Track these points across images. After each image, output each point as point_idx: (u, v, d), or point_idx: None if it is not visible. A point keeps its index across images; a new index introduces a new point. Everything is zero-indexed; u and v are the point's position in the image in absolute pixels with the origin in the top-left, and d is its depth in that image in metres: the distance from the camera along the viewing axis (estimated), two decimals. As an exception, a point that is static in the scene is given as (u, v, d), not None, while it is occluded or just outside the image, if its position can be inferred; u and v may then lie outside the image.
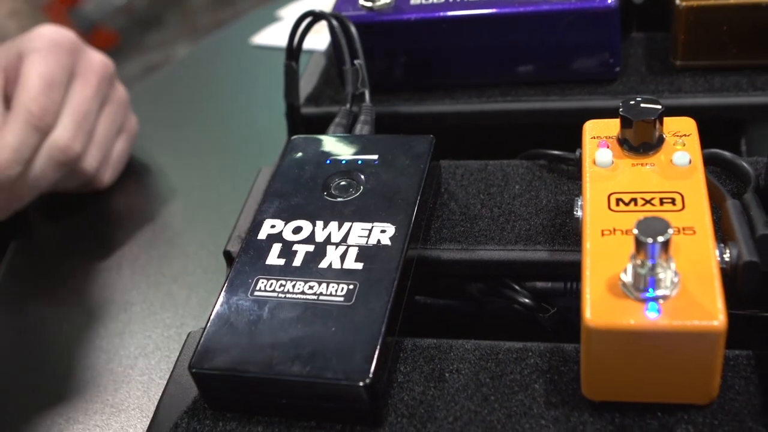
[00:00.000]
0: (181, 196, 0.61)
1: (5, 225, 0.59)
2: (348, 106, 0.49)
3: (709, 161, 0.42)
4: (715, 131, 0.44)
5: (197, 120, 0.71)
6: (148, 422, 0.38)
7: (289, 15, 0.89)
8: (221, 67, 0.81)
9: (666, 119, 0.38)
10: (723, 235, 0.37)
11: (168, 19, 2.91)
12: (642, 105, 0.38)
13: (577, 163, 0.44)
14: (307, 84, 0.55)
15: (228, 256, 0.44)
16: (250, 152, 0.64)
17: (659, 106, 0.37)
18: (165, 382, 0.42)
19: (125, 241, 0.58)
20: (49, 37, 0.55)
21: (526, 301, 0.42)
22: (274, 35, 0.84)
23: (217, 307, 0.37)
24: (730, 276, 0.34)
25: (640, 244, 0.31)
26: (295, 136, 0.46)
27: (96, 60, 0.58)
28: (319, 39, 0.63)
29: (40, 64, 0.54)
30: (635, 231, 0.31)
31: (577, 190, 0.44)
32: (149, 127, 0.69)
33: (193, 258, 0.54)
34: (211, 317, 0.37)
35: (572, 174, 0.45)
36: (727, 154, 0.43)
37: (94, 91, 0.57)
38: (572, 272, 0.40)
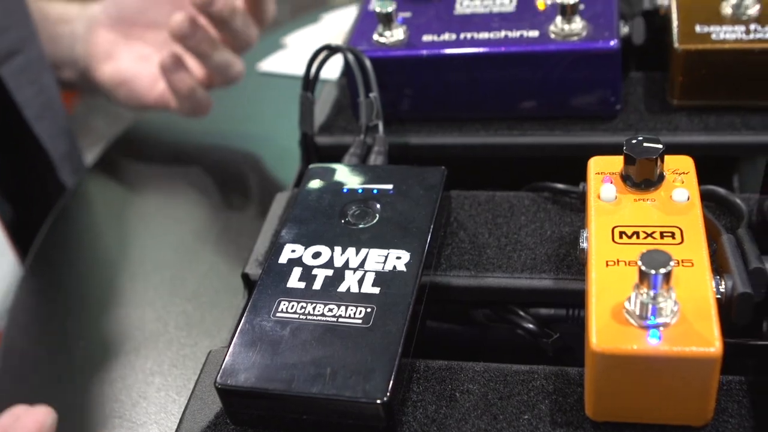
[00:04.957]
0: (193, 220, 0.63)
1: (24, 239, 0.61)
2: (362, 137, 0.51)
3: (704, 197, 0.44)
4: (710, 167, 0.46)
5: (207, 145, 0.73)
6: (168, 437, 0.41)
7: (293, 42, 0.92)
8: (228, 93, 0.83)
9: (666, 157, 0.41)
10: (718, 267, 0.39)
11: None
12: (644, 144, 0.40)
13: (581, 197, 0.46)
14: (320, 113, 0.57)
15: (246, 279, 0.46)
16: (260, 177, 0.66)
17: (660, 146, 0.40)
18: (182, 399, 0.43)
19: (139, 261, 0.60)
20: None
21: (530, 326, 0.44)
22: (280, 62, 0.87)
23: (241, 326, 0.39)
24: (725, 306, 0.37)
25: (643, 275, 0.33)
26: (312, 165, 0.48)
27: None
28: (329, 69, 0.66)
29: None
30: (639, 263, 0.33)
31: (580, 222, 0.46)
32: (159, 151, 0.71)
33: (206, 279, 0.56)
34: (235, 336, 0.39)
35: (575, 206, 0.47)
36: (721, 191, 0.45)
37: None
38: (575, 300, 0.42)
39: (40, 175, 0.71)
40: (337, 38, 0.93)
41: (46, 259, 0.61)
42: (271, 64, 0.86)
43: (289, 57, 0.87)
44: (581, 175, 0.44)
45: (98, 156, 0.73)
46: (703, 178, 0.42)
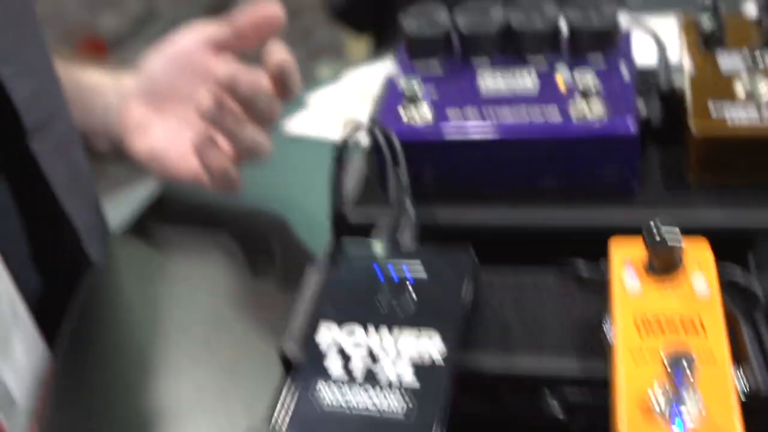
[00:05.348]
0: (222, 290, 0.65)
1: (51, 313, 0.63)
2: (391, 213, 0.53)
3: (721, 279, 0.46)
4: (725, 245, 0.48)
5: (234, 209, 0.75)
6: None
7: (315, 102, 0.94)
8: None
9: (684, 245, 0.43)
10: (737, 356, 0.41)
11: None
12: (663, 233, 0.42)
13: (603, 278, 0.48)
14: (349, 187, 0.59)
15: (282, 357, 0.48)
16: (289, 244, 0.68)
17: (679, 235, 0.42)
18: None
19: (170, 331, 0.62)
20: None
21: (557, 408, 0.46)
22: (304, 124, 0.89)
23: (281, 412, 0.41)
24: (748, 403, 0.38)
25: (667, 373, 0.35)
26: (345, 240, 0.50)
27: None
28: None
29: None
30: (664, 360, 0.35)
31: (603, 302, 0.48)
32: (188, 217, 0.73)
33: (241, 352, 0.58)
34: (275, 423, 0.41)
35: (597, 287, 0.49)
36: (738, 273, 0.47)
37: None
38: (601, 384, 0.44)
39: (67, 248, 0.73)
40: (358, 97, 0.95)
41: (76, 336, 0.63)
42: (295, 125, 0.89)
43: (312, 118, 0.90)
44: (601, 248, 0.46)
45: (128, 223, 0.75)
46: (718, 255, 0.44)
